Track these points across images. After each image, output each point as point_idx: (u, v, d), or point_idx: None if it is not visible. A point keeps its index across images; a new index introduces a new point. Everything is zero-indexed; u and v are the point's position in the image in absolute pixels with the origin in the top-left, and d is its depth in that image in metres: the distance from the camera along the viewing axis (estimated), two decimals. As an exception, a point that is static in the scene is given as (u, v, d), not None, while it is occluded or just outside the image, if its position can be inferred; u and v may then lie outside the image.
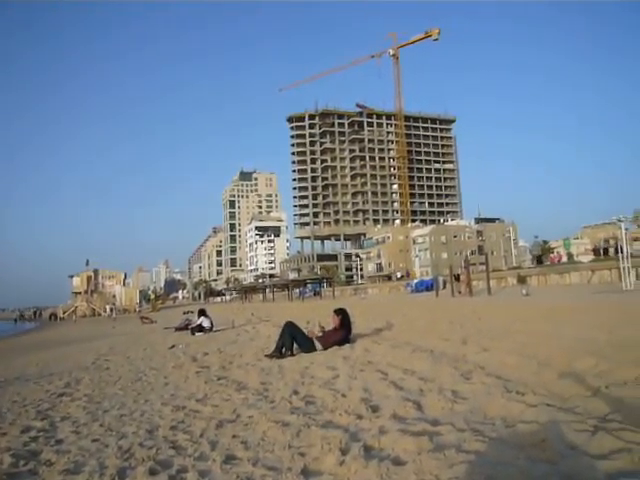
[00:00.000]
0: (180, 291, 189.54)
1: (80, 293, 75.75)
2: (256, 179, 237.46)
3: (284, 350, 8.76)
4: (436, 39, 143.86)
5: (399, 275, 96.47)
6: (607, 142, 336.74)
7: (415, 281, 54.43)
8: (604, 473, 2.69)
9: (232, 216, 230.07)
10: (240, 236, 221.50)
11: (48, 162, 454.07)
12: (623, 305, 13.52)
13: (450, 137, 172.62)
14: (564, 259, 70.53)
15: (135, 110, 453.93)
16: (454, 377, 5.35)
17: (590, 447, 3.10)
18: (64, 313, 70.74)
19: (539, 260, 62.20)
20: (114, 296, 77.16)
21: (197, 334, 17.55)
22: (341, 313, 9.29)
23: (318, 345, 8.81)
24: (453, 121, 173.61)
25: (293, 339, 8.89)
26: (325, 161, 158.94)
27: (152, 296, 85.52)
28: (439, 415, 4.08)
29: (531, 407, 3.96)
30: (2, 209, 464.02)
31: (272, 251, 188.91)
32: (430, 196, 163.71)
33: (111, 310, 65.40)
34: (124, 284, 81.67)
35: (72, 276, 78.35)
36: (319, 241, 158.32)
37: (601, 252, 60.26)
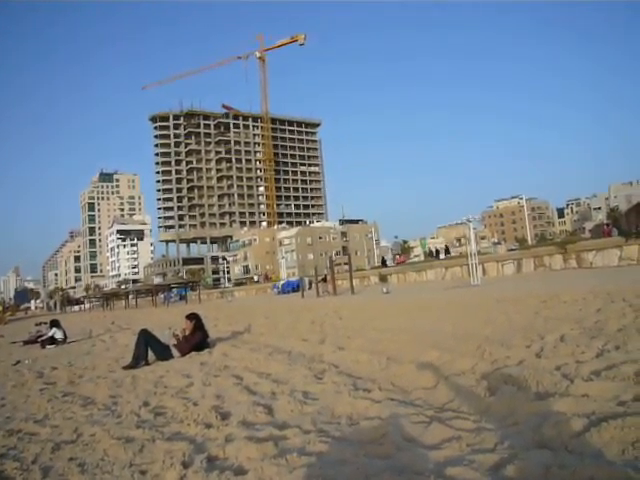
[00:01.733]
0: (33, 301, 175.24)
1: None
2: (117, 180, 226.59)
3: (139, 360, 8.38)
4: (302, 44, 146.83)
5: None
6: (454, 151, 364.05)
7: (281, 282, 54.92)
8: (434, 462, 2.83)
9: (91, 219, 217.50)
10: (101, 240, 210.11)
11: None
12: (467, 299, 14.59)
13: (315, 140, 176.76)
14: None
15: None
16: (307, 378, 5.42)
17: (425, 438, 3.26)
18: None
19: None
20: None
21: (48, 347, 16.30)
22: (194, 318, 9.10)
23: (175, 352, 8.53)
24: (318, 124, 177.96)
25: (148, 347, 8.53)
26: (190, 162, 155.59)
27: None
28: (288, 418, 4.08)
29: (376, 403, 4.10)
30: None
31: (135, 255, 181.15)
32: (296, 198, 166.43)
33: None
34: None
35: None
36: (185, 244, 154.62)
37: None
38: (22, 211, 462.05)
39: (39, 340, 18.01)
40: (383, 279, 40.34)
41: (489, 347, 5.81)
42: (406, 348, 6.54)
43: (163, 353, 8.48)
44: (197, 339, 8.84)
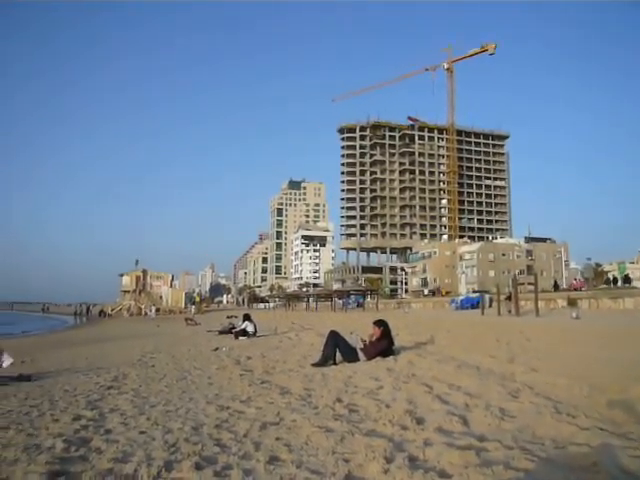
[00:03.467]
0: (224, 295, 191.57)
1: (129, 292, 77.67)
2: (305, 188, 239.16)
3: (327, 359, 8.77)
4: (492, 54, 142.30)
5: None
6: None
7: (461, 298, 53.58)
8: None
9: (279, 224, 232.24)
10: (286, 244, 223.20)
11: (103, 164, 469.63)
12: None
13: (502, 153, 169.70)
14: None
15: (194, 119, 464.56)
16: (501, 395, 5.25)
17: (645, 474, 2.99)
18: (112, 310, 72.64)
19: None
20: (161, 297, 78.74)
21: (240, 338, 17.75)
22: (382, 324, 9.23)
23: (361, 355, 8.77)
24: (506, 137, 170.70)
25: (336, 348, 8.89)
26: (374, 173, 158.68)
27: (197, 299, 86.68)
28: (486, 431, 4.00)
29: (583, 430, 3.85)
30: (60, 210, 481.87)
31: (317, 260, 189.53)
32: (479, 212, 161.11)
33: (157, 310, 66.85)
34: (171, 286, 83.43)
35: (122, 275, 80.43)
36: (365, 253, 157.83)
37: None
38: (221, 213, 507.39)
39: (232, 331, 19.68)
40: (572, 303, 37.36)
41: None
42: (610, 378, 6.02)
43: (350, 355, 8.77)
44: (384, 345, 8.99)
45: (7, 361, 9.68)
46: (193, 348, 15.21)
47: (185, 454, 3.83)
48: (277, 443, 4.04)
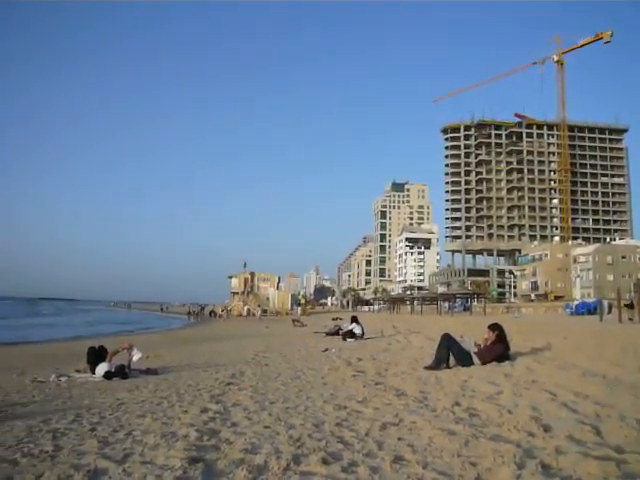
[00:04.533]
0: (329, 298, 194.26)
1: (237, 293, 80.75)
2: (408, 190, 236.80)
3: (441, 362, 8.64)
4: (608, 42, 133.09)
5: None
6: None
7: (576, 302, 50.67)
8: None
9: (383, 226, 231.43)
10: (390, 247, 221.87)
11: (217, 170, 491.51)
12: None
13: (621, 148, 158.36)
14: None
15: (301, 120, 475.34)
16: (636, 406, 4.92)
17: None
18: (222, 311, 75.79)
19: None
20: (268, 298, 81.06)
21: (348, 340, 17.92)
22: (497, 328, 8.96)
23: (476, 360, 8.57)
24: (624, 131, 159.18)
25: (450, 351, 8.74)
26: (480, 173, 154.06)
27: (303, 301, 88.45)
28: (622, 443, 3.78)
29: None
30: (176, 215, 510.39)
31: (421, 263, 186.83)
32: (595, 212, 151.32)
33: (264, 311, 68.94)
34: (277, 288, 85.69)
35: (231, 277, 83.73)
36: (470, 255, 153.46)
37: None
38: (325, 217, 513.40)
39: (340, 333, 19.90)
40: None
41: None
42: None
43: (464, 359, 8.59)
44: (499, 350, 8.73)
45: (137, 355, 10.40)
46: (303, 349, 15.55)
47: (311, 449, 3.94)
48: (400, 443, 4.06)
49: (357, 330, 18.64)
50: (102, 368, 9.84)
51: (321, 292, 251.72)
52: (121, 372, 9.77)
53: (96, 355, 10.32)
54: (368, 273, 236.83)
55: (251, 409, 5.85)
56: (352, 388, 7.13)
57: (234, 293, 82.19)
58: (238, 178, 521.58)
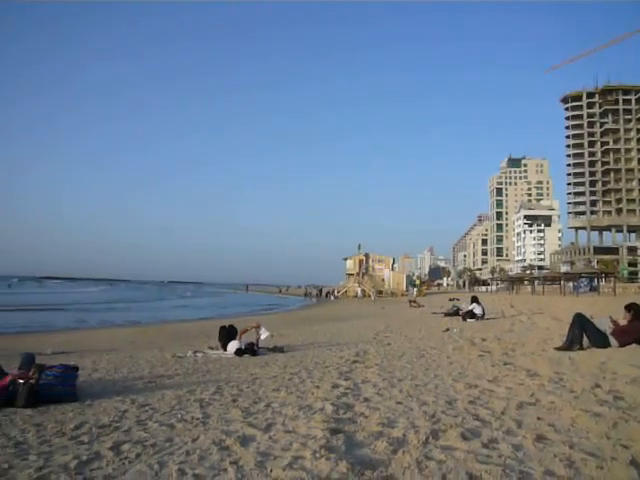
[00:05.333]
0: (444, 278, 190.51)
1: (352, 275, 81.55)
2: (525, 165, 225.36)
3: (574, 343, 8.26)
4: None
5: None
6: None
7: None
8: None
9: (499, 204, 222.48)
10: (507, 225, 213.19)
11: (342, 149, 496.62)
12: None
13: None
14: None
15: (411, 101, 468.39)
16: None
17: None
18: (338, 292, 77.03)
19: None
20: (382, 279, 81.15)
21: (468, 320, 17.60)
22: (632, 308, 8.38)
23: (613, 341, 8.08)
24: None
25: (583, 332, 8.32)
26: (606, 143, 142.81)
27: (418, 282, 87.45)
28: None
29: None
30: (299, 199, 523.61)
31: (541, 241, 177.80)
32: None
33: (380, 292, 69.22)
34: (392, 269, 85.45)
35: (346, 259, 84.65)
36: (596, 232, 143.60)
37: None
38: (438, 196, 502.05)
39: (460, 313, 19.58)
40: None
41: None
42: None
43: (599, 340, 8.13)
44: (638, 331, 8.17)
45: (264, 334, 10.91)
46: (423, 329, 15.48)
47: (447, 425, 3.96)
48: (540, 422, 3.97)
49: (477, 310, 18.26)
50: (233, 345, 10.44)
51: (436, 272, 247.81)
52: (251, 349, 10.31)
53: (227, 333, 10.96)
54: (484, 252, 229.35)
55: (380, 386, 5.96)
56: (480, 367, 7.03)
57: (349, 275, 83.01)
58: (354, 159, 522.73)
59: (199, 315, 34.43)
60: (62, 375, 5.85)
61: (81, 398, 5.86)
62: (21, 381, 5.58)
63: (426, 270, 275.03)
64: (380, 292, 71.10)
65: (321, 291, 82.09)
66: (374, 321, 21.58)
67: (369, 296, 67.50)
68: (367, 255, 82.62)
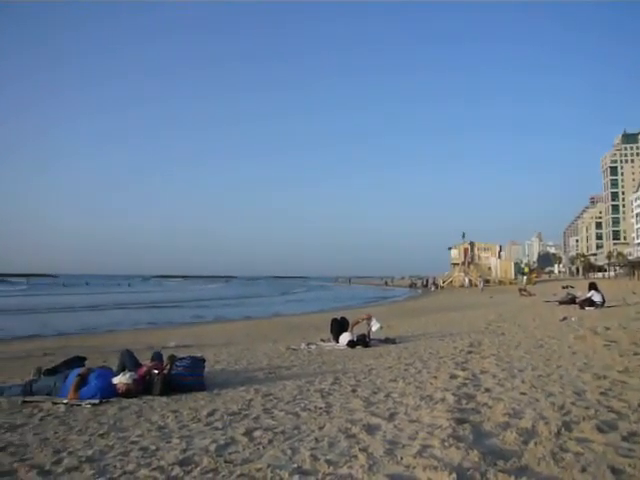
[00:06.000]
0: (555, 265, 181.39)
1: (457, 264, 79.71)
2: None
3: None
4: None
5: None
6: None
7: None
8: None
9: (614, 184, 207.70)
10: (624, 206, 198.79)
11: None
12: None
13: None
14: None
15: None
16: None
17: None
18: (443, 282, 75.61)
19: None
20: (489, 268, 78.61)
21: (587, 308, 16.68)
22: None
23: None
24: None
25: None
26: None
27: (526, 269, 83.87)
28: None
29: None
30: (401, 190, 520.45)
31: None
32: None
33: (487, 281, 67.11)
34: (499, 256, 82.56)
35: (450, 248, 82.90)
36: None
37: None
38: (546, 178, 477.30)
39: (576, 301, 18.59)
40: None
41: None
42: None
43: None
44: None
45: (375, 325, 10.97)
46: (537, 318, 14.88)
47: (580, 417, 3.81)
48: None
49: (596, 298, 17.24)
50: (345, 337, 10.60)
51: (546, 259, 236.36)
52: (363, 341, 10.42)
53: (339, 325, 11.15)
54: (599, 236, 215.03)
55: (500, 376, 5.82)
56: (607, 358, 6.66)
57: (454, 264, 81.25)
58: (456, 142, 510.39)
59: (308, 308, 35.15)
60: (191, 366, 6.25)
61: (209, 387, 6.23)
62: (156, 371, 6.05)
63: (535, 257, 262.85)
64: (487, 281, 68.82)
65: (427, 282, 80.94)
66: (484, 311, 20.99)
67: (476, 285, 65.67)
68: (472, 243, 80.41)
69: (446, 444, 3.31)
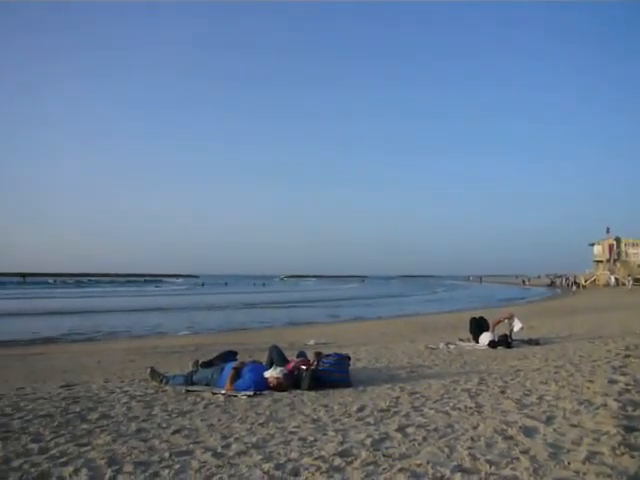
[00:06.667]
0: None
1: (601, 261, 74.03)
2: None
3: None
4: None
5: None
6: None
7: None
8: None
9: None
10: None
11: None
12: None
13: None
14: None
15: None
16: None
17: None
18: (586, 281, 70.55)
19: None
20: (639, 266, 72.25)
21: None
22: None
23: None
24: None
25: None
26: None
27: (684, 267, 75.90)
28: None
29: None
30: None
31: None
32: None
33: (636, 280, 61.67)
34: (651, 252, 75.43)
35: (592, 244, 77.20)
36: None
37: None
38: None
39: None
40: None
41: None
42: None
43: None
44: None
45: (517, 325, 10.55)
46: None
47: None
48: None
49: None
50: (486, 337, 10.31)
51: None
52: (505, 341, 10.08)
53: (477, 325, 10.87)
54: None
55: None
56: None
57: (597, 261, 75.63)
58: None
59: (442, 308, 34.55)
60: (337, 362, 6.43)
61: (353, 384, 6.37)
62: (304, 367, 6.30)
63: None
64: (637, 280, 63.24)
65: (568, 280, 76.11)
66: (636, 312, 19.37)
67: (623, 285, 60.65)
68: (618, 239, 74.26)
69: (617, 452, 3.14)
